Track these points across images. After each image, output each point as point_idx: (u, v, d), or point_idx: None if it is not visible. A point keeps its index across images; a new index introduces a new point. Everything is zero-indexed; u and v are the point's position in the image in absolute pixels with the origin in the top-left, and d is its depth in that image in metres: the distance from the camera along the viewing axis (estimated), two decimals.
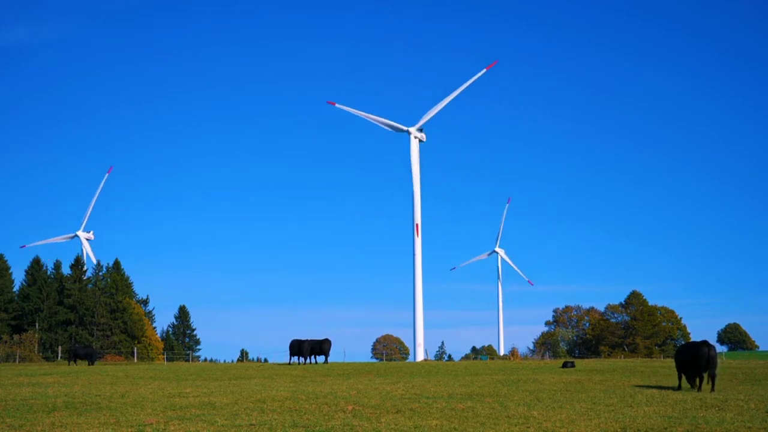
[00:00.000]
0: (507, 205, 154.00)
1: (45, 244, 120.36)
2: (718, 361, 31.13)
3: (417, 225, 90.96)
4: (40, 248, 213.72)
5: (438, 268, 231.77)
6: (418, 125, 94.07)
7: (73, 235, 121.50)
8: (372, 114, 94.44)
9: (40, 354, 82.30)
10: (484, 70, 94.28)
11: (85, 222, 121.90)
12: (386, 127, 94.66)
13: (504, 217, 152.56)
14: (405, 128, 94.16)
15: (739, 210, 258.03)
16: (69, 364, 62.89)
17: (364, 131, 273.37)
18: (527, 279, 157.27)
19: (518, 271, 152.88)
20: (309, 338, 55.77)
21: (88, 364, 61.75)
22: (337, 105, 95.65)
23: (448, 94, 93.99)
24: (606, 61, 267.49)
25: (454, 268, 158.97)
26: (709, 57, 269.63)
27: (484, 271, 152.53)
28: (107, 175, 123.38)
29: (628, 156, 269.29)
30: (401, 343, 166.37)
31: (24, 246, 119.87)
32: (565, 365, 46.63)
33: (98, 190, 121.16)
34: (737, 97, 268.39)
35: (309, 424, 17.18)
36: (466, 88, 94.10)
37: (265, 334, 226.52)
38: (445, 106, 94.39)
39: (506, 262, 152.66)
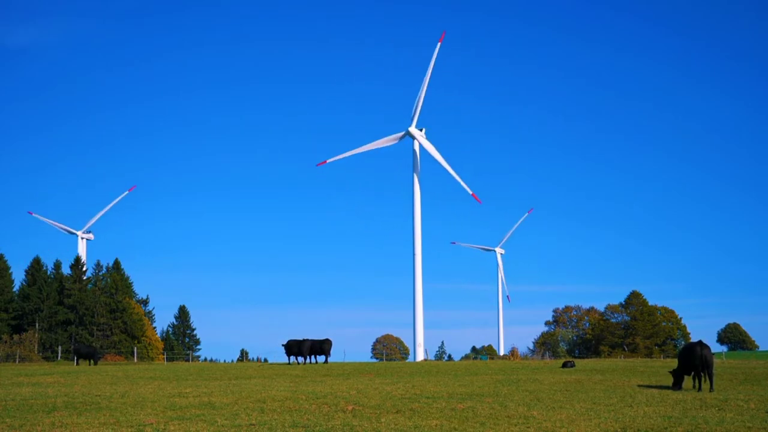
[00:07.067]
0: (454, 245, 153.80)
1: (47, 222, 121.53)
2: (715, 360, 31.15)
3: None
4: (41, 248, 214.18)
5: (438, 268, 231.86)
6: (413, 124, 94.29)
7: (71, 230, 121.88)
8: (362, 146, 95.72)
9: (40, 354, 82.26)
10: (438, 44, 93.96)
11: (88, 225, 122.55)
12: (386, 145, 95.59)
13: (469, 244, 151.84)
14: (403, 133, 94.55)
15: (739, 210, 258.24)
16: (73, 364, 62.89)
17: (365, 131, 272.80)
18: (528, 211, 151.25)
19: (522, 218, 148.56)
20: (304, 338, 55.56)
21: (89, 364, 61.76)
22: (328, 161, 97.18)
23: (421, 87, 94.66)
24: (606, 61, 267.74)
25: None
26: (709, 57, 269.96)
27: (485, 271, 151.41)
28: (128, 192, 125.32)
29: (628, 156, 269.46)
30: (401, 343, 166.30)
31: (30, 213, 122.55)
32: (565, 365, 46.64)
33: (113, 202, 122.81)
34: (737, 97, 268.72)
35: (309, 424, 17.19)
36: (432, 70, 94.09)
37: (265, 334, 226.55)
38: (426, 97, 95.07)
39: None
